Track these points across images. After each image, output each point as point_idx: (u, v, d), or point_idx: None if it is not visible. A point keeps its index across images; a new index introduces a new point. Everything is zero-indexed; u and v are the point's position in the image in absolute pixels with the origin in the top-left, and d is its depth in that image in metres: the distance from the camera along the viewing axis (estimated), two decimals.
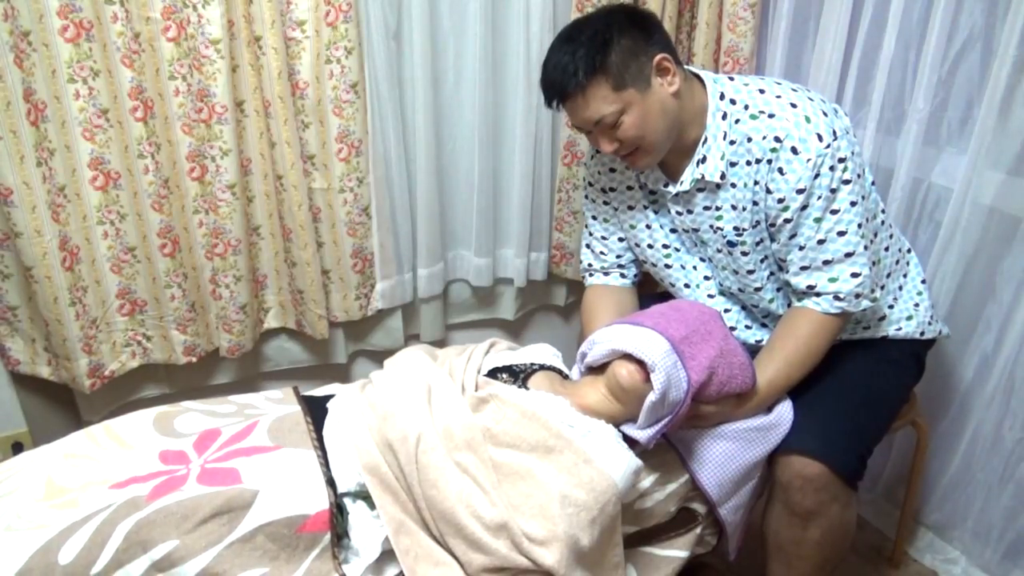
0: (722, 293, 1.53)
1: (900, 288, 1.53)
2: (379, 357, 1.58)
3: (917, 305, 1.53)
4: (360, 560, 1.14)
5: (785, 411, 1.38)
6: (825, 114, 1.30)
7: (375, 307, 1.98)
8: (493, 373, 1.37)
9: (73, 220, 1.57)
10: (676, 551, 1.36)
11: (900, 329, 1.51)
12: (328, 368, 2.05)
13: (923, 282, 1.56)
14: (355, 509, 1.18)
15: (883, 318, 1.50)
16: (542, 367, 1.40)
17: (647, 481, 1.32)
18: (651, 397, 1.21)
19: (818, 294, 1.36)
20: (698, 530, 1.38)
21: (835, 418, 1.37)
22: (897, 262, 1.52)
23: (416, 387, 1.27)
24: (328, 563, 1.10)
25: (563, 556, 1.10)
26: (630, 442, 1.28)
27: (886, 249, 1.48)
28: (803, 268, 1.36)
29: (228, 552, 1.06)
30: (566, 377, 1.41)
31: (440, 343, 2.13)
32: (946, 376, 1.73)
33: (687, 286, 1.55)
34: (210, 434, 1.23)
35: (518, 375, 1.36)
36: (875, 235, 1.41)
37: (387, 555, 1.15)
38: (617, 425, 1.29)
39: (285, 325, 1.93)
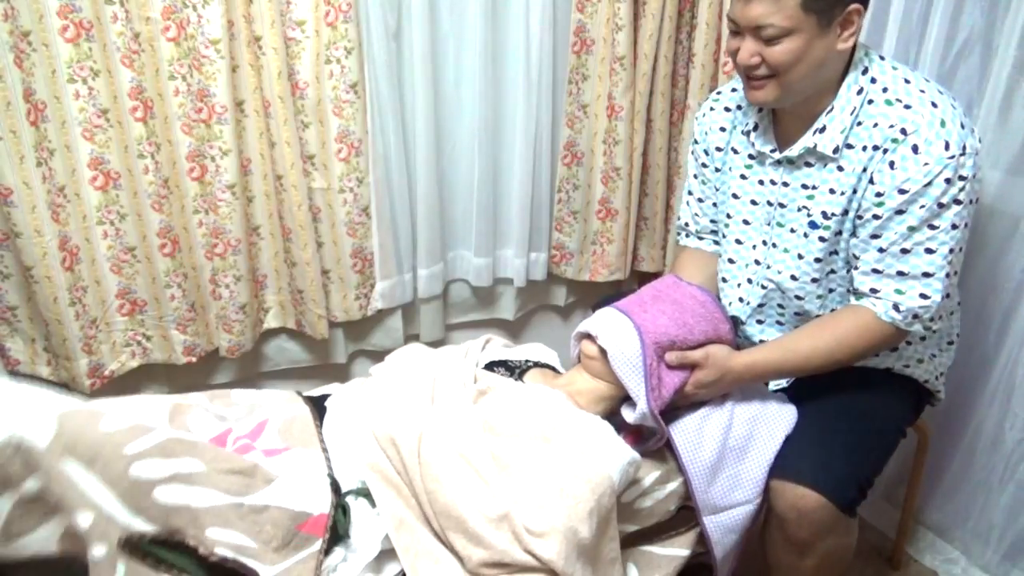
0: (759, 284, 1.47)
1: (923, 338, 1.46)
2: (379, 357, 1.58)
3: (934, 356, 1.48)
4: (359, 558, 1.14)
5: (785, 415, 1.39)
6: (963, 126, 1.23)
7: (375, 307, 1.98)
8: (489, 368, 1.39)
9: (73, 220, 1.57)
10: (677, 550, 1.36)
11: (907, 367, 1.45)
12: (328, 368, 2.05)
13: (950, 344, 1.50)
14: (356, 506, 1.18)
15: (895, 349, 1.44)
16: (537, 364, 1.42)
17: (648, 480, 1.32)
18: (610, 354, 1.28)
19: (879, 299, 1.30)
20: (699, 529, 1.38)
21: (837, 448, 1.32)
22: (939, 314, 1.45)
23: (417, 382, 1.28)
24: (310, 572, 1.10)
25: (562, 548, 1.11)
26: (635, 438, 1.31)
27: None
28: (875, 271, 1.30)
29: (236, 510, 1.07)
30: (559, 374, 1.44)
31: (440, 343, 2.13)
32: (946, 376, 1.72)
33: (731, 261, 1.51)
34: (223, 436, 1.24)
35: (514, 370, 1.38)
36: (956, 272, 1.32)
37: (387, 554, 1.16)
38: (615, 411, 1.33)
39: (285, 325, 1.93)
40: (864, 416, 1.37)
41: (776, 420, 1.38)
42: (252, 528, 1.08)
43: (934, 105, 1.24)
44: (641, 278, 2.24)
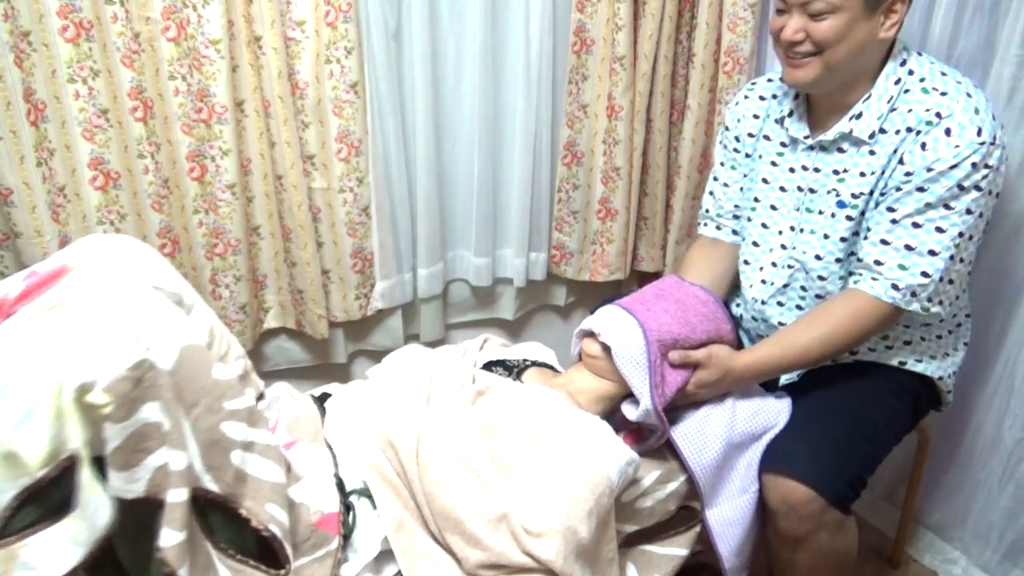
0: (784, 266, 1.47)
1: (940, 337, 1.47)
2: (379, 357, 1.59)
3: (947, 355, 1.48)
4: (360, 558, 1.14)
5: (785, 410, 1.39)
6: (994, 118, 1.26)
7: (375, 307, 1.98)
8: (488, 367, 1.40)
9: (73, 220, 1.58)
10: (676, 549, 1.36)
11: (920, 361, 1.46)
12: (328, 368, 2.05)
13: (965, 344, 1.51)
14: (359, 506, 1.18)
15: (908, 343, 1.45)
16: (535, 363, 1.42)
17: (648, 480, 1.32)
18: (613, 351, 1.28)
19: (878, 275, 1.31)
20: (698, 528, 1.38)
21: (826, 444, 1.32)
22: (955, 316, 1.47)
23: (415, 383, 1.29)
24: (327, 570, 1.10)
25: (561, 548, 1.11)
26: (635, 437, 1.32)
27: (957, 298, 1.40)
28: (883, 241, 1.31)
29: (282, 495, 1.07)
30: (557, 373, 1.44)
31: (440, 343, 2.13)
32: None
33: (756, 244, 1.52)
34: None
35: (512, 369, 1.38)
36: (962, 259, 1.33)
37: (386, 554, 1.16)
38: (614, 411, 1.33)
39: (285, 325, 1.93)
40: (858, 415, 1.37)
41: (778, 416, 1.38)
42: (291, 516, 1.09)
43: (969, 96, 1.27)
44: (641, 278, 2.24)
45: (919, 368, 1.46)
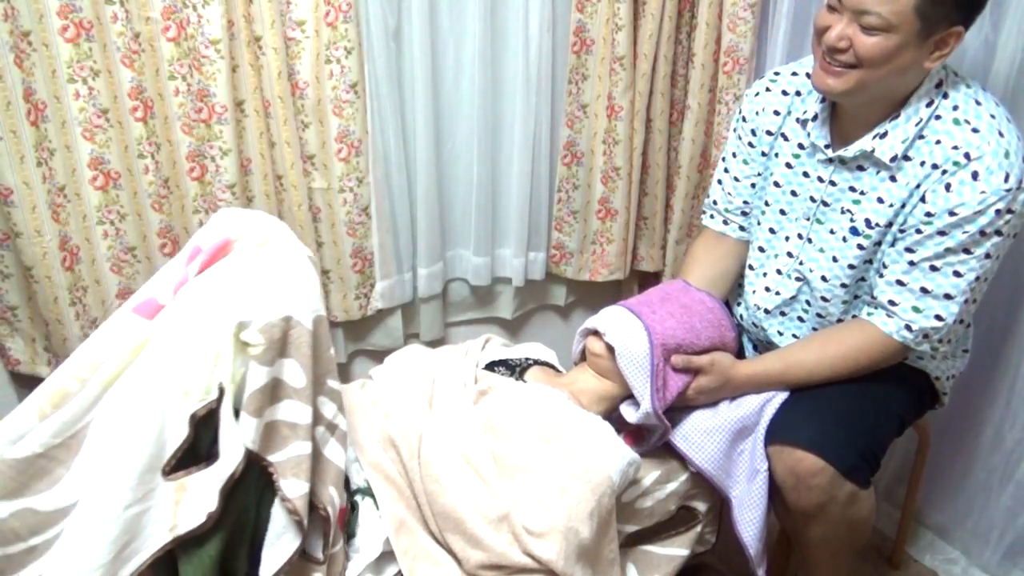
0: (792, 277, 1.45)
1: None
2: (379, 357, 1.59)
3: (946, 358, 1.47)
4: (361, 558, 1.14)
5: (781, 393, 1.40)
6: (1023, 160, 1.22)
7: (375, 307, 1.98)
8: (490, 367, 1.40)
9: (73, 220, 1.58)
10: (676, 549, 1.37)
11: (921, 359, 1.44)
12: None
13: (964, 351, 1.50)
14: (363, 506, 1.19)
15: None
16: (536, 362, 1.42)
17: (648, 480, 1.32)
18: (617, 351, 1.28)
19: (891, 314, 1.31)
20: (698, 528, 1.39)
21: (832, 416, 1.31)
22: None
23: (417, 383, 1.29)
24: (338, 564, 1.10)
25: (562, 548, 1.11)
26: (635, 438, 1.32)
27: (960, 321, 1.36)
28: (899, 282, 1.29)
29: (341, 481, 1.11)
30: (559, 373, 1.44)
31: (440, 342, 2.13)
32: (955, 381, 1.72)
33: (761, 249, 1.50)
34: None
35: (514, 369, 1.38)
36: (975, 300, 1.32)
37: (388, 555, 1.16)
38: (615, 411, 1.33)
39: None
40: (861, 392, 1.36)
41: (774, 394, 1.39)
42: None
43: (1001, 135, 1.22)
44: (641, 278, 2.24)
45: (919, 365, 1.46)
